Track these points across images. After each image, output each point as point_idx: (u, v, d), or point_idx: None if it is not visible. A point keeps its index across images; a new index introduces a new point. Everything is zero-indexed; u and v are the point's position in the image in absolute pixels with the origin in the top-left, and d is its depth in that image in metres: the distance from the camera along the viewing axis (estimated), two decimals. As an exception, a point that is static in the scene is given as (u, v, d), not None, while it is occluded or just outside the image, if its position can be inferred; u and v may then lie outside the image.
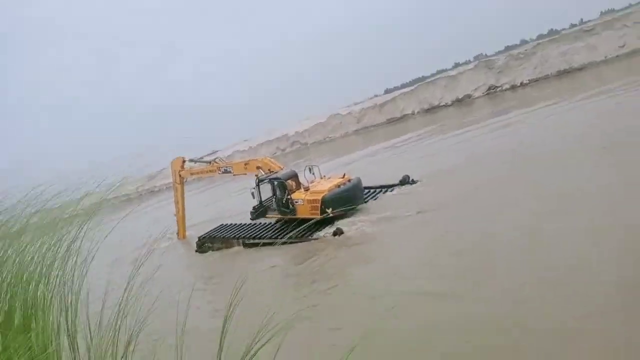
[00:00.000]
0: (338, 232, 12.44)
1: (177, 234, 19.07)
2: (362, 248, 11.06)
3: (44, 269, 3.11)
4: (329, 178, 14.81)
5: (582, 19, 66.20)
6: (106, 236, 3.83)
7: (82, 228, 3.31)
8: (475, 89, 48.21)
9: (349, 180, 14.23)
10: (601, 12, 62.00)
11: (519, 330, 5.67)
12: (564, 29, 60.97)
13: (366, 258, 10.50)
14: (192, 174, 19.10)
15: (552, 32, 67.56)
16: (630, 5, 53.22)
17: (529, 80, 45.63)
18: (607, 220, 8.13)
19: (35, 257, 3.15)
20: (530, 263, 7.43)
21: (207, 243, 15.68)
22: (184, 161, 18.69)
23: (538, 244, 7.99)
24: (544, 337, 5.37)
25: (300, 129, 56.22)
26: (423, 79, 65.73)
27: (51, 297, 3.04)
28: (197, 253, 15.61)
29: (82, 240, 3.28)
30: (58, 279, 3.11)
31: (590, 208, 8.93)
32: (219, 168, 17.36)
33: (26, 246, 3.18)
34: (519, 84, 46.07)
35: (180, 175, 18.81)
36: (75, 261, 3.21)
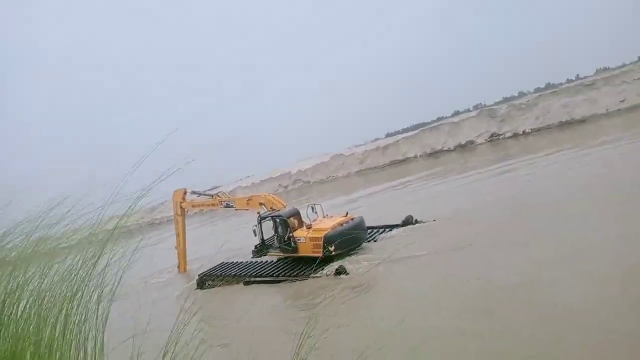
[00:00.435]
0: (341, 271, 12.41)
1: (178, 267, 18.89)
2: (365, 288, 11.00)
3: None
4: (332, 217, 14.95)
5: (577, 75, 68.39)
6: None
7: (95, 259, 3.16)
8: (478, 135, 49.11)
9: (352, 219, 14.35)
10: (597, 70, 64.17)
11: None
12: (561, 83, 62.80)
13: (367, 300, 10.40)
14: (193, 206, 19.10)
15: (549, 85, 69.63)
16: (625, 65, 54.99)
17: (531, 129, 46.57)
18: (610, 269, 8.19)
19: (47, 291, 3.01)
20: (528, 307, 7.45)
21: (208, 281, 15.55)
22: (185, 192, 18.68)
23: (537, 291, 8.03)
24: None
25: (302, 168, 56.83)
26: (423, 125, 67.17)
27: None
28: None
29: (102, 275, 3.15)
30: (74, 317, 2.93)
31: (593, 257, 8.99)
32: (221, 202, 17.40)
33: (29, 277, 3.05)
34: (521, 133, 46.97)
35: (181, 207, 18.79)
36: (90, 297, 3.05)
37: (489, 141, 48.31)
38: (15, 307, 2.95)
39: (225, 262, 16.81)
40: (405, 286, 10.41)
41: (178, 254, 19.07)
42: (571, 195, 14.52)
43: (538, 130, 45.92)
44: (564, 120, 44.81)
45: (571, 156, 23.28)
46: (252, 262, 16.03)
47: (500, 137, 48.26)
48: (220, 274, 15.54)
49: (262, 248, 15.47)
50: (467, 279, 9.64)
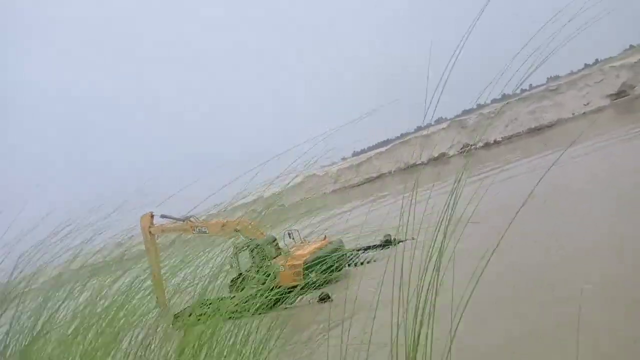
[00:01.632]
0: (325, 298, 12.16)
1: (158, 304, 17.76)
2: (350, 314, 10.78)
3: None
4: (309, 242, 14.75)
5: (530, 85, 71.16)
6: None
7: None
8: (450, 147, 50.27)
9: (330, 243, 14.21)
10: (547, 78, 66.81)
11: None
12: (524, 90, 65.04)
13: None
14: (163, 230, 18.05)
15: (505, 96, 71.90)
16: (573, 73, 57.29)
17: (502, 137, 48.11)
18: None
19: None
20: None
21: (183, 319, 15.07)
22: (152, 216, 17.67)
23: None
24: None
25: (276, 190, 56.54)
26: (388, 142, 68.18)
27: None
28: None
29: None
30: None
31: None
32: (193, 227, 16.73)
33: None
34: (492, 142, 48.40)
35: (150, 233, 17.74)
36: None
37: (461, 152, 49.53)
38: None
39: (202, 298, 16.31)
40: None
41: (154, 288, 18.00)
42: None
43: (509, 138, 47.53)
44: (532, 126, 46.57)
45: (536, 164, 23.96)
46: (229, 296, 15.59)
47: (472, 147, 49.58)
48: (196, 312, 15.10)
49: (240, 281, 15.06)
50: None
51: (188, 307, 13.91)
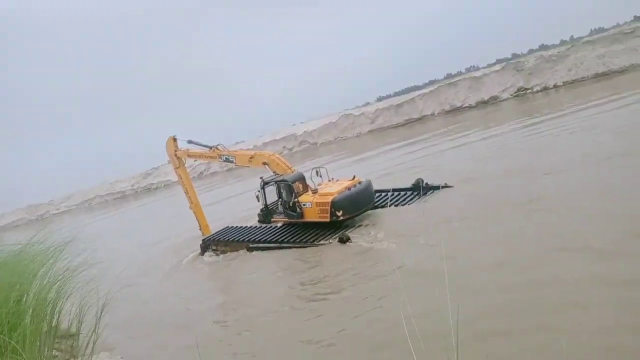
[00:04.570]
0: (344, 239, 12.90)
1: (200, 229, 18.34)
2: (370, 258, 11.46)
3: None
4: (338, 180, 15.33)
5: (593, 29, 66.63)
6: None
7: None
8: (503, 90, 48.51)
9: (359, 182, 14.73)
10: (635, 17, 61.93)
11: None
12: (581, 37, 60.86)
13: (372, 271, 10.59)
14: (189, 155, 18.61)
15: (573, 39, 67.83)
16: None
17: (563, 82, 45.84)
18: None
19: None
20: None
21: (211, 246, 16.40)
22: (175, 140, 18.40)
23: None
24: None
25: (309, 129, 56.88)
26: (435, 82, 66.17)
27: None
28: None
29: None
30: None
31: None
32: (219, 155, 17.18)
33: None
34: (551, 86, 46.28)
35: (177, 157, 18.51)
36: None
37: (515, 96, 47.78)
38: None
39: (230, 226, 17.63)
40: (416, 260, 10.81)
41: (194, 214, 18.69)
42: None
43: (571, 83, 45.22)
44: (600, 72, 43.98)
45: (605, 110, 22.95)
46: (256, 227, 16.66)
47: (528, 91, 47.64)
48: (224, 239, 16.36)
49: (266, 213, 15.92)
50: (483, 257, 9.96)
51: (215, 233, 15.55)
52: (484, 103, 48.82)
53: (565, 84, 45.46)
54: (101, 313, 6.24)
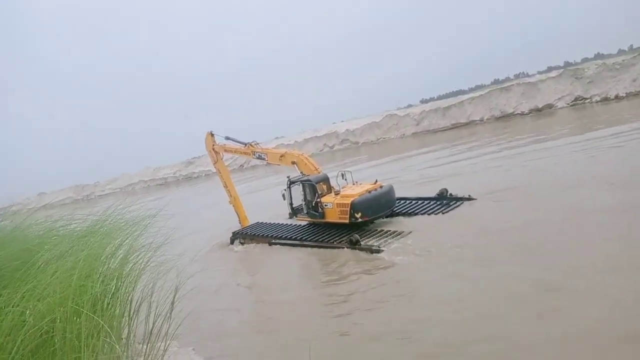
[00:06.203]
0: (354, 241, 13.45)
1: (240, 223, 19.92)
2: (380, 264, 12.02)
3: None
4: (360, 184, 16.15)
5: None
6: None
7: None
8: (559, 98, 47.27)
9: (381, 187, 15.44)
10: None
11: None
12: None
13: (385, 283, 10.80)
14: (226, 150, 19.98)
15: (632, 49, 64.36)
16: None
17: (626, 93, 44.13)
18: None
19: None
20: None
21: (239, 238, 18.23)
22: (212, 135, 19.95)
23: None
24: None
25: (351, 127, 57.57)
26: (482, 87, 64.90)
27: None
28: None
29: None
30: None
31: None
32: (253, 152, 18.53)
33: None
34: (612, 97, 44.68)
35: (215, 151, 20.02)
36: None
37: (571, 105, 46.44)
38: None
39: (260, 222, 19.30)
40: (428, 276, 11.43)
41: (234, 208, 20.34)
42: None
43: (636, 94, 43.43)
44: (669, 83, 42.09)
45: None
46: (282, 224, 18.31)
47: (587, 101, 46.18)
48: (250, 233, 17.95)
49: (293, 211, 17.26)
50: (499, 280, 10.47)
51: (245, 227, 17.20)
52: (537, 111, 47.76)
53: (628, 95, 43.74)
54: (174, 297, 6.12)
